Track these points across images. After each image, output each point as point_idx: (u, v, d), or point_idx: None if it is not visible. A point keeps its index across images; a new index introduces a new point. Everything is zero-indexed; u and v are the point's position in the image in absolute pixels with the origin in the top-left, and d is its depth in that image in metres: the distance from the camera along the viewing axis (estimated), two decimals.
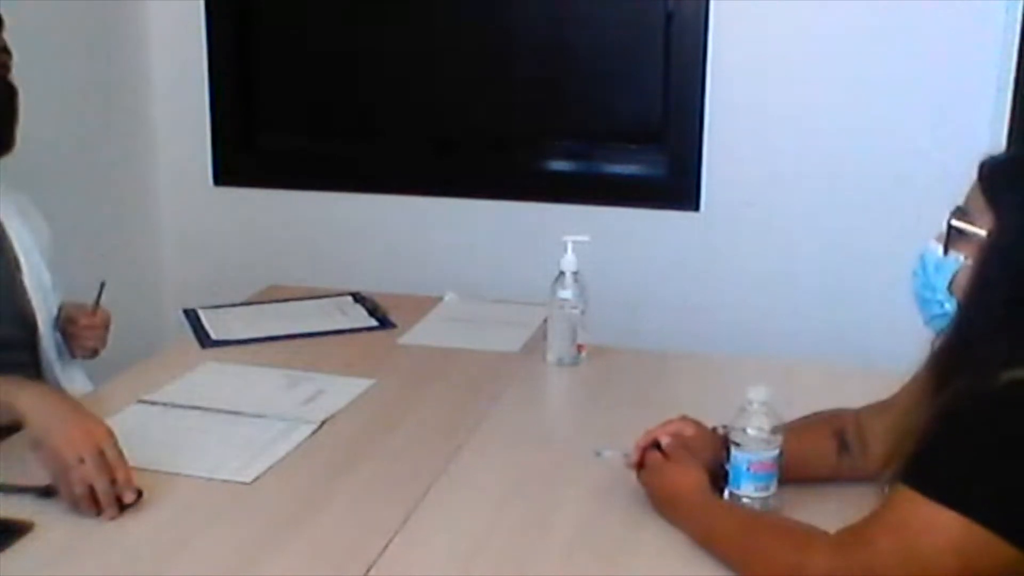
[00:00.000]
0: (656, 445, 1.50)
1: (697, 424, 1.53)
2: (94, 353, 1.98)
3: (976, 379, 1.17)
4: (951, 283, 1.27)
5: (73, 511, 1.42)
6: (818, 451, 1.51)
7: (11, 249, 1.88)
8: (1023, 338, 1.17)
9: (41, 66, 1.93)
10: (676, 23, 2.74)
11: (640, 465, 1.49)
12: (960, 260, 1.26)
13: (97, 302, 1.95)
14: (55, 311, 1.94)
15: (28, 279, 1.89)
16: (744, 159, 2.75)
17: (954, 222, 1.27)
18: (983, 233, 1.23)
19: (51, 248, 1.98)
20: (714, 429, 1.53)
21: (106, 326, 1.97)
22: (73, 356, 1.97)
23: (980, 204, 1.25)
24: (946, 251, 1.28)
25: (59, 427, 1.44)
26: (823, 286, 2.75)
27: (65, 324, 1.95)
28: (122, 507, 1.43)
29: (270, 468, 1.59)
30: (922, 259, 1.32)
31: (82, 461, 1.41)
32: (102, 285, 1.94)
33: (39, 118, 1.86)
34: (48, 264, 1.95)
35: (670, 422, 1.52)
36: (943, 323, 1.29)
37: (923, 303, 1.32)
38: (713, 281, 2.83)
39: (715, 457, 1.47)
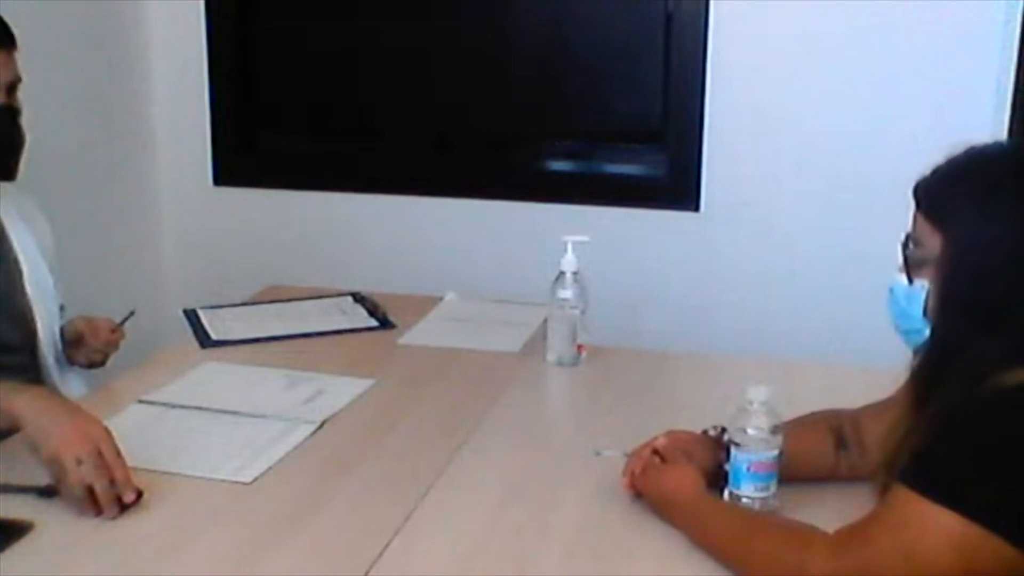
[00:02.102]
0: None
1: (688, 432, 1.54)
2: (96, 365, 2.00)
3: (964, 386, 1.17)
4: (925, 310, 1.29)
5: (73, 511, 1.42)
6: (815, 449, 1.51)
7: (12, 251, 1.88)
8: (1016, 339, 1.18)
9: (41, 66, 1.93)
10: (676, 23, 2.74)
11: (632, 483, 1.49)
12: (926, 285, 1.28)
13: (122, 323, 1.99)
14: (56, 313, 1.95)
15: (29, 282, 1.89)
16: (744, 159, 2.75)
17: (908, 252, 1.29)
18: (936, 255, 1.25)
19: (53, 250, 1.98)
20: (705, 432, 1.53)
21: (118, 344, 2.00)
22: (71, 363, 1.98)
23: (926, 228, 1.27)
24: (910, 280, 1.30)
25: (56, 429, 1.43)
26: (823, 286, 2.75)
27: (77, 333, 1.95)
28: (122, 507, 1.43)
29: (270, 468, 1.59)
30: (892, 293, 1.33)
31: (80, 462, 1.41)
32: (131, 313, 2.01)
33: (39, 118, 1.87)
34: (50, 266, 1.95)
35: (656, 438, 1.52)
36: None
37: (904, 335, 1.34)
38: (713, 281, 2.83)
39: (711, 459, 1.47)
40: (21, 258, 1.89)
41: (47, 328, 1.91)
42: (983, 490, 1.12)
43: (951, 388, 1.20)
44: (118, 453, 1.44)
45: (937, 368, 1.25)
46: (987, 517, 1.11)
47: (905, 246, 1.31)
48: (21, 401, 1.48)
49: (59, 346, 1.95)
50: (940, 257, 1.25)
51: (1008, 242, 1.19)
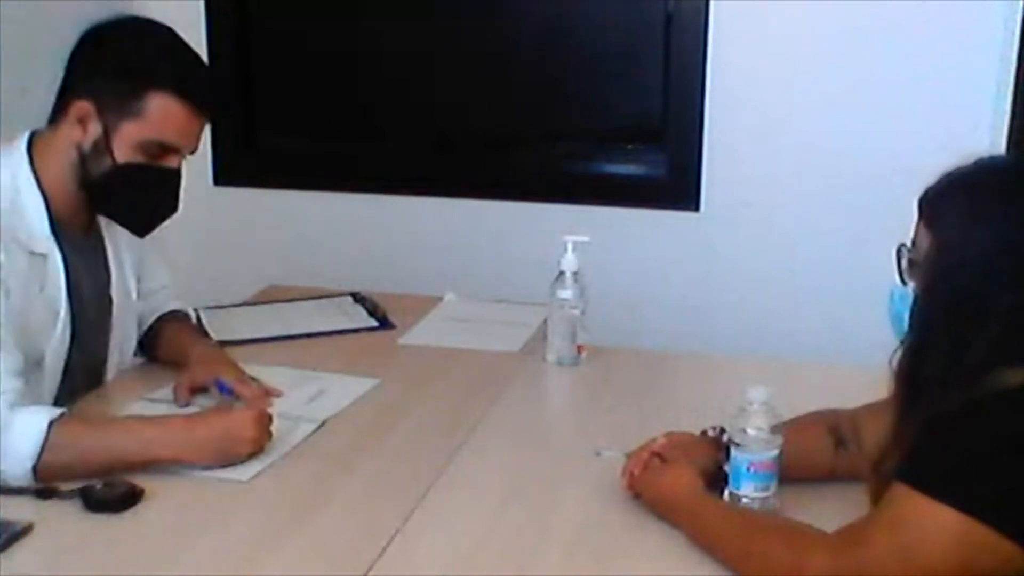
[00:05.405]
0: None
1: (687, 433, 1.54)
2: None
3: (958, 386, 1.17)
4: None
5: (73, 511, 1.42)
6: (814, 449, 1.51)
7: (105, 255, 1.87)
8: (1010, 339, 1.18)
9: (41, 66, 1.93)
10: (676, 23, 2.74)
11: (631, 484, 1.49)
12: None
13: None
14: (133, 330, 1.95)
15: (114, 286, 1.87)
16: (744, 159, 2.75)
17: (902, 254, 1.31)
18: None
19: (141, 249, 1.96)
20: (704, 432, 1.53)
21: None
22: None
23: (923, 232, 1.28)
24: (904, 283, 1.31)
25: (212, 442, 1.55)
26: (823, 286, 2.75)
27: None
28: (123, 507, 1.44)
29: (270, 467, 1.58)
30: (891, 295, 1.34)
31: (258, 438, 1.59)
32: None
33: (40, 119, 1.86)
34: (135, 269, 1.93)
35: (655, 440, 1.52)
36: None
37: (900, 336, 1.34)
38: (713, 281, 2.83)
39: (710, 460, 1.47)
40: (111, 260, 1.87)
41: (121, 336, 1.89)
42: (983, 487, 1.12)
43: (938, 389, 1.20)
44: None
45: (916, 369, 1.25)
46: (988, 514, 1.11)
47: (900, 249, 1.32)
48: (158, 446, 1.54)
49: (125, 356, 1.93)
50: (925, 257, 1.26)
51: (989, 245, 1.20)
